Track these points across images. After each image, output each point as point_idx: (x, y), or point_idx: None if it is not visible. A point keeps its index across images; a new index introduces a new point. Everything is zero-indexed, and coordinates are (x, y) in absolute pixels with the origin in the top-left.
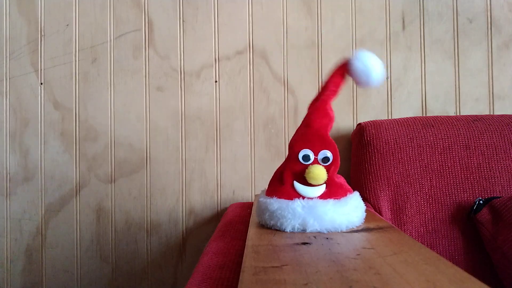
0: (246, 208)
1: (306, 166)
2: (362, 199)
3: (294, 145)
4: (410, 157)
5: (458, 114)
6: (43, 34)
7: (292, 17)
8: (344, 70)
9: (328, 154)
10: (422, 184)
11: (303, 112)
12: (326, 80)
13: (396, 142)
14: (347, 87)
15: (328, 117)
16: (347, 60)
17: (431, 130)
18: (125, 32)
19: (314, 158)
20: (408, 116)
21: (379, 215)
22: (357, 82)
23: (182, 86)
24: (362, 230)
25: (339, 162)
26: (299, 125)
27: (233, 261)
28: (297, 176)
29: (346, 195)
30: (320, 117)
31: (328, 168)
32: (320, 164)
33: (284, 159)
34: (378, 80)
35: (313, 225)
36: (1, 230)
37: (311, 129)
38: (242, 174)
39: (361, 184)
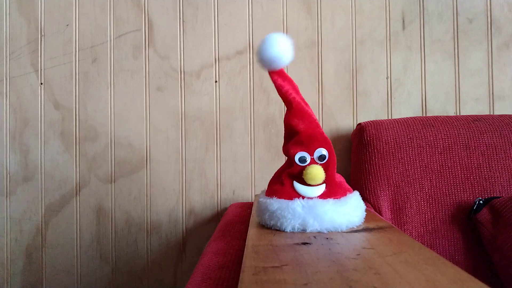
0: (246, 208)
1: (304, 167)
2: (362, 199)
3: (289, 151)
4: (410, 157)
5: (458, 114)
6: (43, 34)
7: (292, 17)
8: (275, 73)
9: (324, 151)
10: (422, 184)
11: None
12: (279, 91)
13: (396, 142)
14: (347, 87)
15: (308, 115)
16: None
17: (431, 130)
18: (125, 32)
19: (311, 158)
20: (408, 116)
21: (379, 215)
22: (278, 66)
23: (182, 86)
24: (362, 230)
25: (335, 156)
26: None
27: (233, 261)
28: (296, 178)
29: (345, 194)
30: (301, 119)
31: (326, 166)
32: (317, 163)
33: (283, 160)
34: (284, 51)
35: (313, 225)
36: (1, 230)
37: (300, 134)
38: (242, 174)
39: (361, 184)
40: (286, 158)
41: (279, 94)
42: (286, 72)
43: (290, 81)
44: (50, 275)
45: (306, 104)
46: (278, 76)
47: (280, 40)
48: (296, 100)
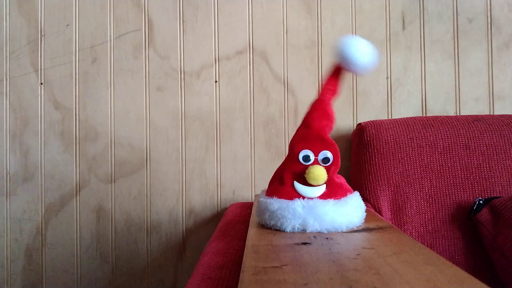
0: (246, 208)
1: (306, 167)
2: (362, 199)
3: (295, 146)
4: (410, 157)
5: (458, 114)
6: (43, 34)
7: (292, 17)
8: (338, 68)
9: (329, 154)
10: (422, 184)
11: (303, 112)
12: (324, 80)
13: (396, 142)
14: (347, 87)
15: (328, 118)
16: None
17: (431, 130)
18: (125, 32)
19: (315, 158)
20: (408, 116)
21: (379, 215)
22: (354, 73)
23: (182, 86)
24: (362, 230)
25: (339, 162)
26: (299, 125)
27: (233, 261)
28: (297, 176)
29: (346, 195)
30: (319, 118)
31: (328, 169)
32: (320, 165)
33: (284, 159)
34: (369, 63)
35: (313, 225)
36: (1, 230)
37: (311, 130)
38: (242, 174)
39: (361, 184)
40: (287, 154)
41: (323, 83)
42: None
43: (337, 83)
44: (50, 275)
45: (332, 110)
46: (335, 71)
47: (368, 50)
48: (326, 100)
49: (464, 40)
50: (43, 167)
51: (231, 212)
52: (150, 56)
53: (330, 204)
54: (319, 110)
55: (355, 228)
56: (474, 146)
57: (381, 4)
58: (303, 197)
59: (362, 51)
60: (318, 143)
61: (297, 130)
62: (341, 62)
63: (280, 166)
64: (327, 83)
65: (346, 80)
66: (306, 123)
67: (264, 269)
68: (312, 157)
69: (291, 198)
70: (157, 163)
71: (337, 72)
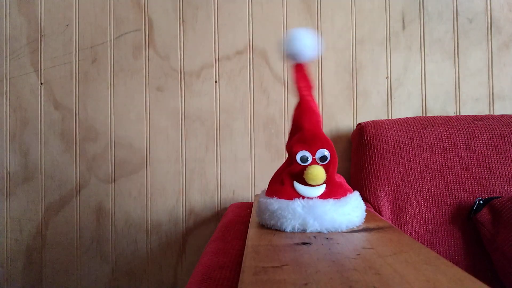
0: (246, 208)
1: (305, 167)
2: (362, 199)
3: (291, 149)
4: (410, 157)
5: (458, 114)
6: (43, 34)
7: (292, 17)
8: (297, 65)
9: (326, 152)
10: (422, 184)
11: None
12: (294, 80)
13: (396, 142)
14: (347, 87)
15: (315, 114)
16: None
17: (431, 130)
18: (125, 32)
19: (312, 158)
20: (408, 116)
21: (379, 215)
22: (305, 60)
23: (182, 86)
24: (362, 230)
25: (336, 158)
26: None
27: (233, 261)
28: (296, 177)
29: (346, 194)
30: (309, 118)
31: (327, 167)
32: (319, 164)
33: (284, 159)
34: (310, 49)
35: (313, 225)
36: (1, 230)
37: (305, 131)
38: (242, 174)
39: (361, 184)
40: (287, 156)
41: (295, 83)
42: (305, 69)
43: (306, 78)
44: (50, 275)
45: (315, 104)
46: (297, 70)
47: (304, 36)
48: (306, 98)
49: (464, 40)
50: (43, 167)
51: (231, 212)
52: (150, 56)
53: (330, 203)
54: (306, 111)
55: (355, 228)
56: (474, 146)
57: (381, 4)
58: (303, 197)
59: (301, 41)
60: (313, 142)
61: (290, 134)
62: (295, 59)
63: (280, 167)
64: (298, 81)
65: (346, 80)
66: (298, 126)
67: (264, 269)
68: (309, 157)
69: (291, 198)
70: (157, 163)
71: (299, 68)
